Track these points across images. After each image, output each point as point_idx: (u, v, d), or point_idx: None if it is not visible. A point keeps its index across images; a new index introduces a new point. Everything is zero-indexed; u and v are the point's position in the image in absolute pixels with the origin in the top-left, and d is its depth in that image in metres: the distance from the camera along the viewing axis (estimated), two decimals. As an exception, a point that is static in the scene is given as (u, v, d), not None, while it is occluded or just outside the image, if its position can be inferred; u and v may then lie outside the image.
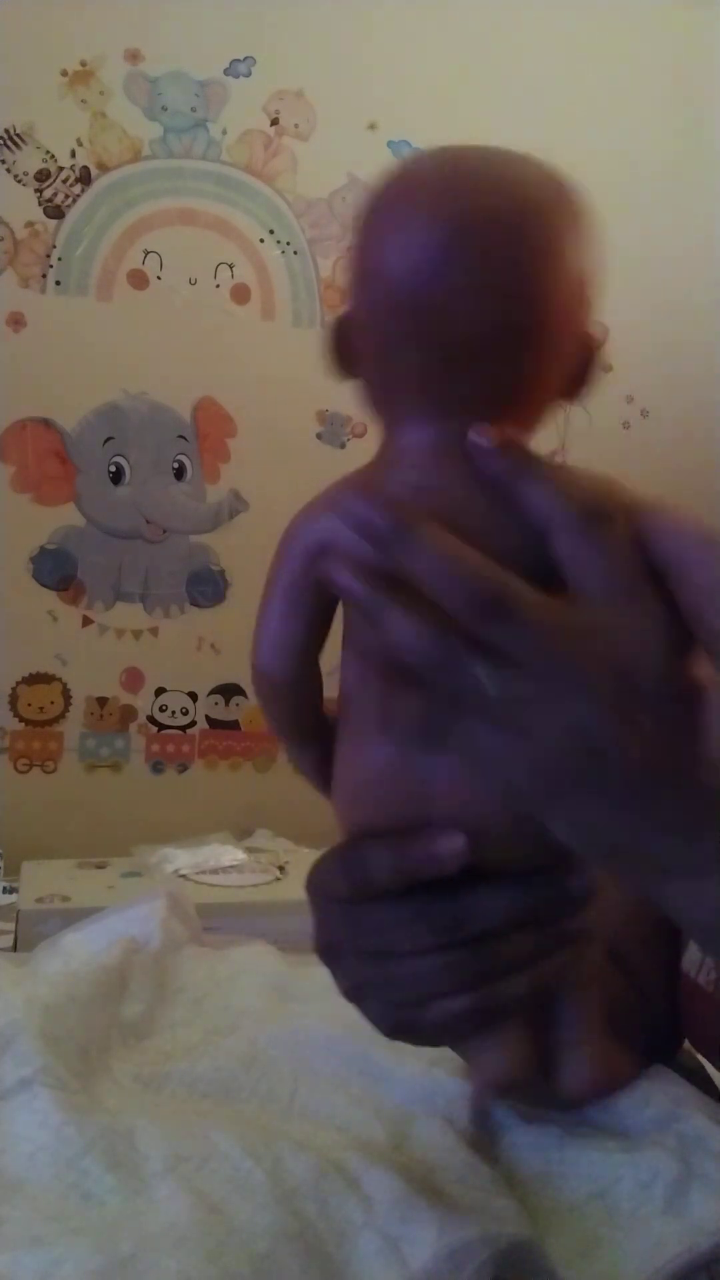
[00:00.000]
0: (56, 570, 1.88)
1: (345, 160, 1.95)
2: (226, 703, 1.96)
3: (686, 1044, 0.66)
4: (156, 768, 1.95)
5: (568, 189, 0.44)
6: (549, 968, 0.44)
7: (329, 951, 0.46)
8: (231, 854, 1.66)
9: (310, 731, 0.46)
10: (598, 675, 0.38)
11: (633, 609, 0.38)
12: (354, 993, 0.46)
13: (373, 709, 0.43)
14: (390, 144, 1.97)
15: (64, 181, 1.85)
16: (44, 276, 1.85)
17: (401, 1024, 0.45)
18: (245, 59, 1.91)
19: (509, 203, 0.41)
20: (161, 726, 1.95)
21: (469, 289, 0.41)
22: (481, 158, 0.43)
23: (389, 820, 0.43)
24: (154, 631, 1.93)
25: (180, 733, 1.96)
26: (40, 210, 1.85)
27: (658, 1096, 0.58)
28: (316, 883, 0.46)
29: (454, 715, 0.40)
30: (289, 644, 0.45)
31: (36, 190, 1.85)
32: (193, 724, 1.96)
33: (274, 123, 1.93)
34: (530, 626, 0.37)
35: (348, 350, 0.45)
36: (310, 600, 0.43)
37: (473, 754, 0.40)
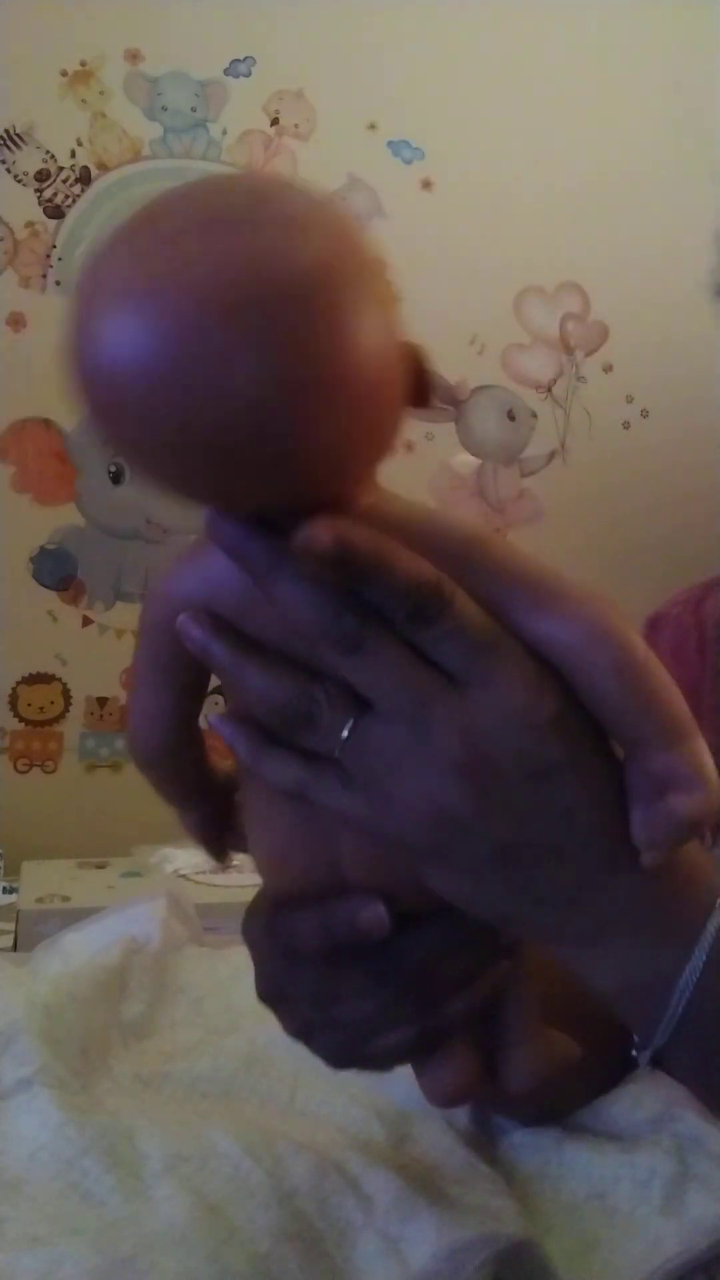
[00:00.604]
0: (56, 570, 1.88)
1: (345, 160, 1.95)
2: (227, 703, 1.96)
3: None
4: (156, 768, 1.95)
5: (329, 209, 0.34)
6: (484, 983, 0.45)
7: (271, 998, 0.47)
8: (231, 854, 1.66)
9: (196, 794, 0.45)
10: (454, 748, 0.36)
11: (494, 684, 0.36)
12: (300, 1034, 0.47)
13: None
14: (390, 144, 1.97)
15: (64, 181, 1.85)
16: (44, 276, 1.85)
17: (349, 1059, 0.46)
18: (245, 59, 1.91)
19: (271, 251, 0.31)
20: (161, 726, 1.94)
21: (248, 373, 0.31)
22: (219, 197, 0.33)
23: (305, 883, 0.42)
24: (154, 631, 1.93)
25: (180, 733, 1.96)
26: (40, 210, 1.85)
27: (649, 1099, 0.57)
28: (250, 936, 0.46)
29: (316, 771, 0.38)
30: (161, 716, 0.43)
31: (36, 190, 1.85)
32: (193, 724, 1.96)
33: (274, 123, 1.93)
34: (387, 669, 0.36)
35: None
36: (178, 668, 0.41)
37: (335, 812, 0.39)
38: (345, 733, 0.37)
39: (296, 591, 0.36)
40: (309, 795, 0.39)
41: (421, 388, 0.36)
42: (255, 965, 0.47)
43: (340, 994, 0.44)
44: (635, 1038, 0.41)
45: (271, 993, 0.47)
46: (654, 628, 0.77)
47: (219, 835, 0.46)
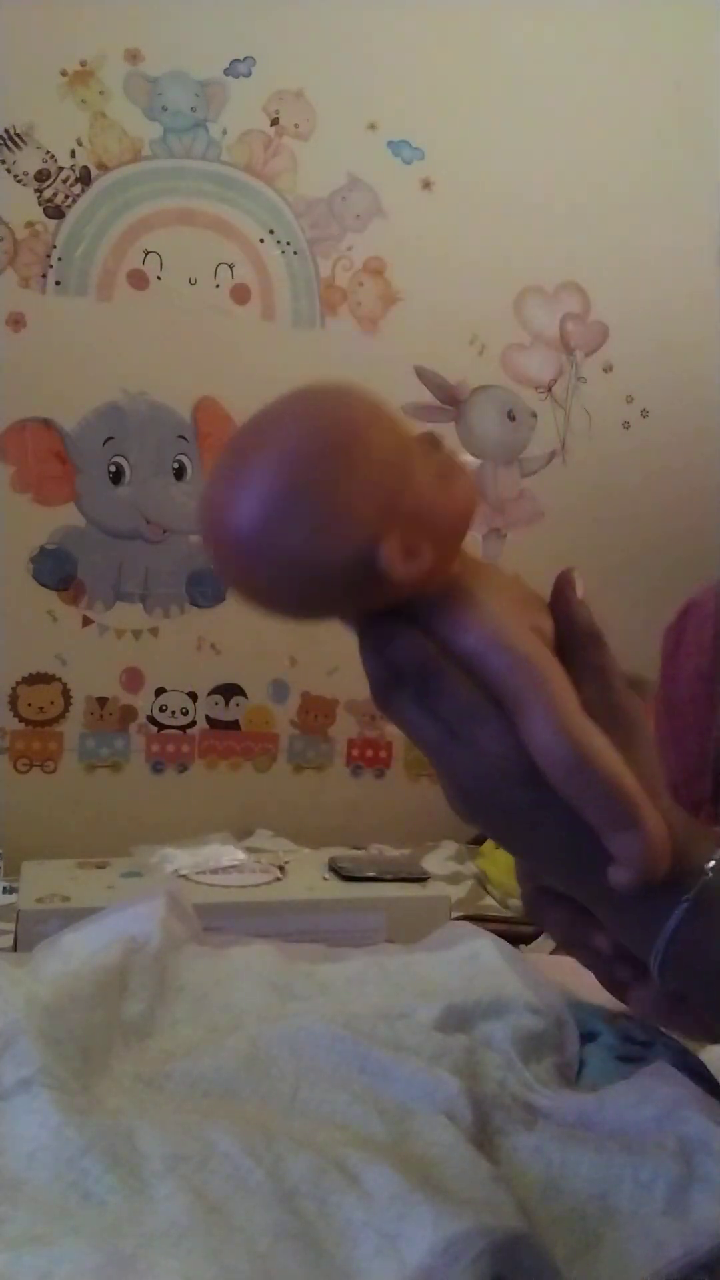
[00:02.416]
0: (56, 570, 1.88)
1: (345, 160, 1.95)
2: (226, 703, 1.97)
3: (688, 1042, 0.66)
4: (156, 768, 1.95)
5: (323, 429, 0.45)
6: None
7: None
8: (231, 854, 1.66)
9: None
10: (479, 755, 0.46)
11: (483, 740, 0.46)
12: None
13: None
14: (390, 144, 1.97)
15: (64, 181, 1.86)
16: (44, 276, 1.85)
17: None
18: (245, 59, 1.91)
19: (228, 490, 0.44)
20: (161, 726, 1.95)
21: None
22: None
23: None
24: (154, 631, 1.93)
25: (180, 733, 1.96)
26: (40, 210, 1.85)
27: (657, 1095, 0.58)
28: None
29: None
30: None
31: (36, 190, 1.85)
32: (193, 724, 1.96)
33: (274, 123, 1.93)
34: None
35: None
36: None
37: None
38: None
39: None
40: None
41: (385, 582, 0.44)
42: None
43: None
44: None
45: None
46: (686, 613, 0.79)
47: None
